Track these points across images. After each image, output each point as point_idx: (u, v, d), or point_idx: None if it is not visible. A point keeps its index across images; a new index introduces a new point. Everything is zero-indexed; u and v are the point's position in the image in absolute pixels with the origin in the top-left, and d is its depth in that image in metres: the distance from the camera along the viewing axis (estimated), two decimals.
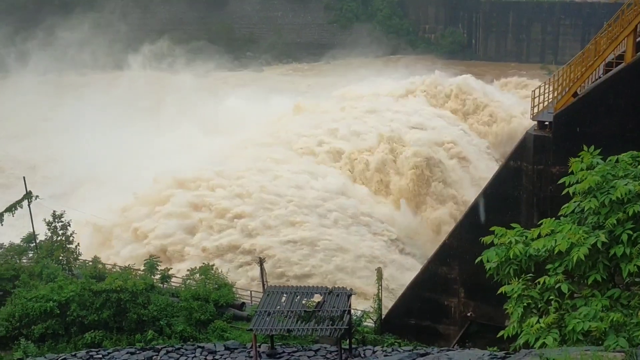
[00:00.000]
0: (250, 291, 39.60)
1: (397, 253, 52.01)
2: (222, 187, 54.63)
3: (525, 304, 12.38)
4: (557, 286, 12.21)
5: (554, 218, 13.27)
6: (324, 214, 52.96)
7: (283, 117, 71.72)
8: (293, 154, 61.92)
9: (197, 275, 36.09)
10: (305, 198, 53.97)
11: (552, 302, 12.16)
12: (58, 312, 31.65)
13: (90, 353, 26.69)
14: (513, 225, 13.53)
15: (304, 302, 27.06)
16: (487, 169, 62.54)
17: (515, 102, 77.02)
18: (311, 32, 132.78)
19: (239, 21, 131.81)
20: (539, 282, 12.41)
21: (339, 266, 48.30)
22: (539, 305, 12.37)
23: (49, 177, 65.98)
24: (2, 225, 41.47)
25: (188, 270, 37.94)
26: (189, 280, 35.93)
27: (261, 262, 38.53)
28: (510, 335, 12.44)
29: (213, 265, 38.54)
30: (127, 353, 26.70)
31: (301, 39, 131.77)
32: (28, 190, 41.79)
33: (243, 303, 36.34)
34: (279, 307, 26.64)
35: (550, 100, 30.09)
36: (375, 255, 50.16)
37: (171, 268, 40.18)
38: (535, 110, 29.90)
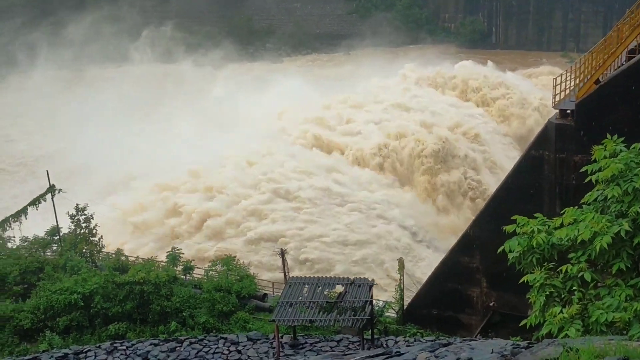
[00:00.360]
0: (272, 282, 39.72)
1: (419, 245, 51.64)
2: (198, 188, 54.01)
3: (547, 293, 12.27)
4: (580, 275, 12.09)
5: (576, 207, 13.15)
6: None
7: (282, 113, 70.30)
8: (296, 148, 61.48)
9: (219, 266, 36.27)
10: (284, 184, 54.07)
11: (575, 291, 12.06)
12: (82, 304, 31.99)
13: (115, 344, 26.85)
14: (535, 214, 13.42)
15: (325, 292, 27.11)
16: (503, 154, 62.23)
17: (530, 89, 76.38)
18: (330, 22, 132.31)
19: (259, 13, 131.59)
20: (561, 271, 12.31)
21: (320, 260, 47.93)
22: (562, 295, 12.27)
23: (57, 171, 65.94)
24: (26, 218, 41.95)
25: (210, 262, 38.15)
26: (211, 272, 36.12)
27: (282, 253, 38.67)
28: (533, 325, 12.36)
29: (235, 257, 38.73)
30: (150, 344, 26.83)
31: (320, 30, 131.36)
32: (51, 183, 42.20)
33: (265, 294, 36.48)
34: (301, 298, 26.70)
35: (572, 88, 29.80)
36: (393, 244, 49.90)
37: (193, 260, 40.37)
38: (557, 98, 29.64)
